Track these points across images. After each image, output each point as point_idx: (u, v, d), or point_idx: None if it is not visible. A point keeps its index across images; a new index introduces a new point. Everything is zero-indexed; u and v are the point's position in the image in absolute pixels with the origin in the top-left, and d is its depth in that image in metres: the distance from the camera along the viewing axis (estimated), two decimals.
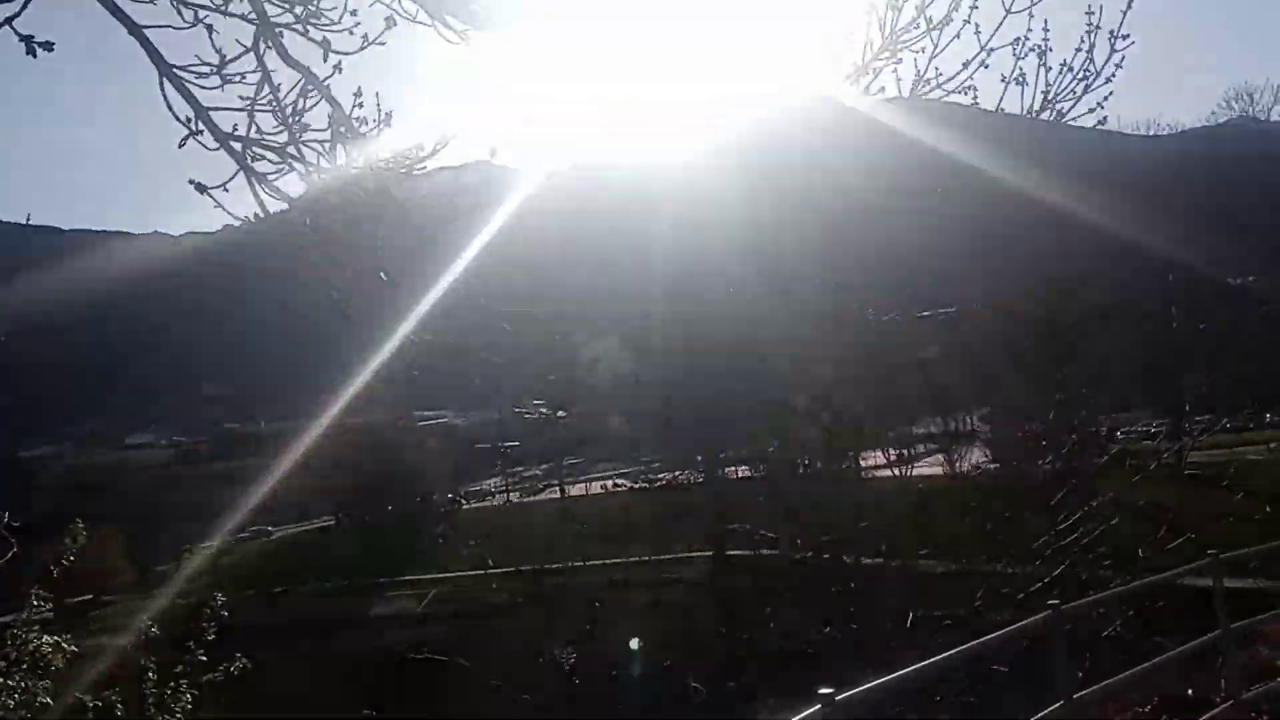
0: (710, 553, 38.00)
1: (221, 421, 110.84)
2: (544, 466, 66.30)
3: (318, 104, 4.13)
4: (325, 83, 4.10)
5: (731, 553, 36.98)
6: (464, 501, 67.06)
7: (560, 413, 64.37)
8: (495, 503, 66.35)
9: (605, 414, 59.57)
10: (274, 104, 4.05)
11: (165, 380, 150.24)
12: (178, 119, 3.97)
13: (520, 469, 74.43)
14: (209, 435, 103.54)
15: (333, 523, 63.33)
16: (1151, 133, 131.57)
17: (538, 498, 62.26)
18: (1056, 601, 7.76)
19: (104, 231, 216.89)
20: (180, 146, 4.00)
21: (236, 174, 4.13)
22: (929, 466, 43.41)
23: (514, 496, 65.88)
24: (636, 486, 48.86)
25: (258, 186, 4.12)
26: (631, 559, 38.72)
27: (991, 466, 37.36)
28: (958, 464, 40.78)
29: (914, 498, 33.36)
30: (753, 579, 30.80)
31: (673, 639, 22.71)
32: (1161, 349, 42.77)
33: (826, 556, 31.77)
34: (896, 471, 42.99)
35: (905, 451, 49.76)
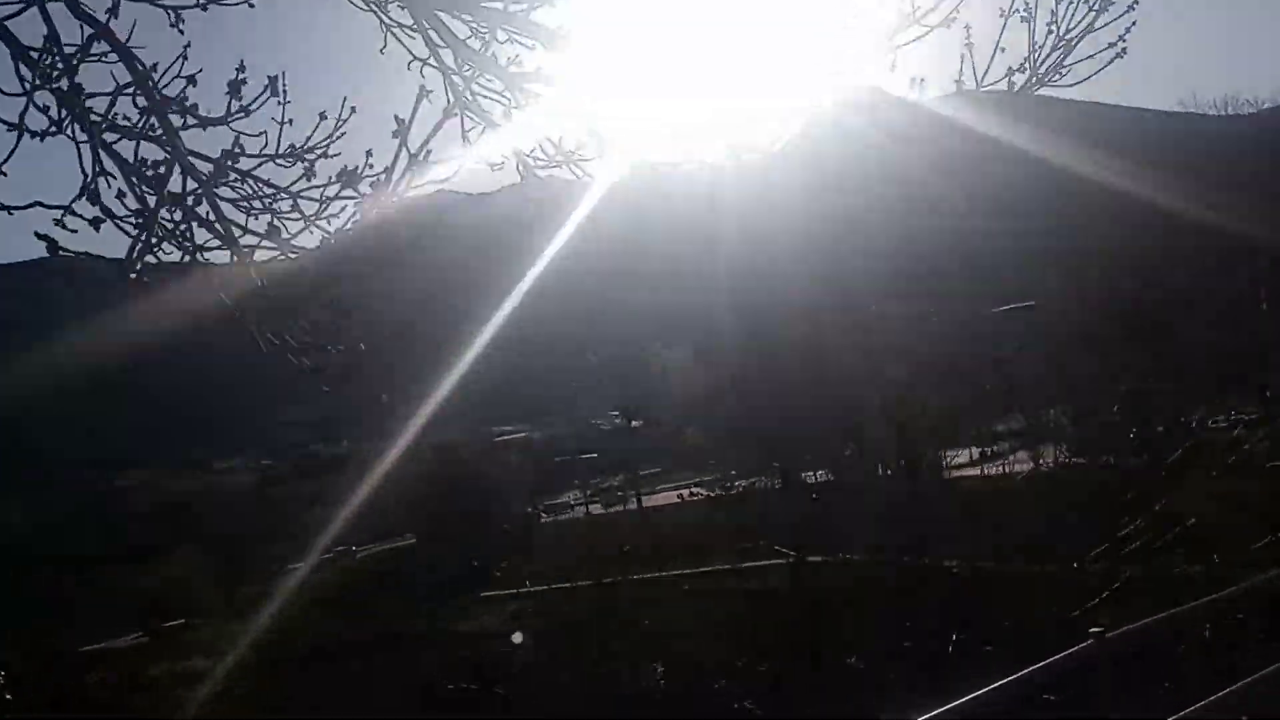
0: (788, 560, 37.68)
1: (305, 444, 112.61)
2: (620, 478, 66.25)
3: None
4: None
5: (810, 559, 36.65)
6: (543, 515, 67.23)
7: (635, 423, 64.39)
8: (575, 515, 66.50)
9: (681, 423, 59.69)
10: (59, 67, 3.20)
11: (249, 404, 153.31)
12: (38, 109, 3.32)
13: (598, 480, 74.44)
14: (293, 458, 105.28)
15: (414, 541, 63.94)
16: (1231, 111, 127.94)
17: (615, 509, 62.19)
18: (1101, 629, 7.00)
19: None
20: (41, 140, 3.39)
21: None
22: (1011, 464, 42.48)
23: (593, 509, 65.91)
24: (713, 495, 48.74)
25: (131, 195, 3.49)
26: (706, 569, 38.45)
27: (1076, 462, 36.42)
28: (1041, 461, 39.83)
29: (996, 498, 32.71)
30: (829, 588, 30.43)
31: (734, 654, 22.39)
32: (1249, 335, 41.34)
33: (906, 561, 31.38)
34: (978, 471, 42.20)
35: (987, 450, 48.85)
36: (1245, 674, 8.74)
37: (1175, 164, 51.70)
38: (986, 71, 4.08)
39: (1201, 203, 45.72)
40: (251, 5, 3.35)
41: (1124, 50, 4.06)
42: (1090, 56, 4.22)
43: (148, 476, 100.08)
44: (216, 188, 3.33)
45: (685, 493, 50.12)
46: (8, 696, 26.90)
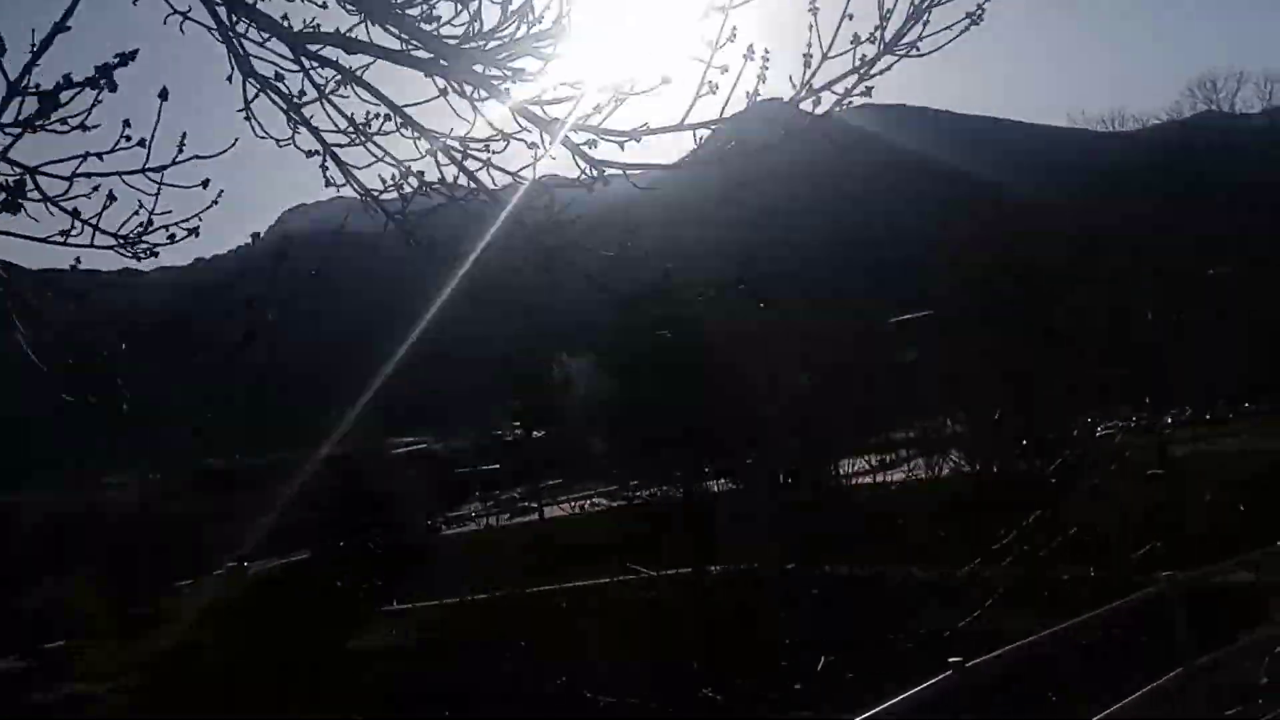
0: (689, 570, 37.44)
1: (202, 456, 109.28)
2: (520, 489, 65.62)
3: None
4: None
5: (713, 568, 36.44)
6: (443, 528, 66.19)
7: (536, 433, 63.58)
8: (476, 528, 65.68)
9: (585, 433, 59.28)
10: None
11: (146, 415, 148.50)
12: None
13: (499, 492, 73.67)
14: (188, 471, 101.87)
15: (309, 556, 62.38)
16: (1117, 127, 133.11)
17: (516, 520, 61.50)
18: (960, 659, 6.57)
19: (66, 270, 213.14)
20: None
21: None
22: (909, 472, 42.78)
23: (493, 520, 65.06)
24: (615, 505, 48.38)
25: None
26: (605, 580, 38.05)
27: (970, 469, 36.87)
28: (937, 468, 40.25)
29: (892, 505, 32.86)
30: (723, 601, 30.27)
31: (629, 667, 21.98)
32: (1136, 341, 42.46)
33: (798, 570, 31.33)
34: (876, 478, 42.40)
35: (886, 457, 49.22)
36: (1118, 696, 8.48)
37: (1067, 177, 53.07)
38: (832, 42, 3.69)
39: (1091, 214, 46.90)
40: None
41: (980, 16, 3.72)
42: (947, 27, 3.86)
43: (30, 493, 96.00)
44: None
45: (586, 504, 49.77)
46: None
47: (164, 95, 3.11)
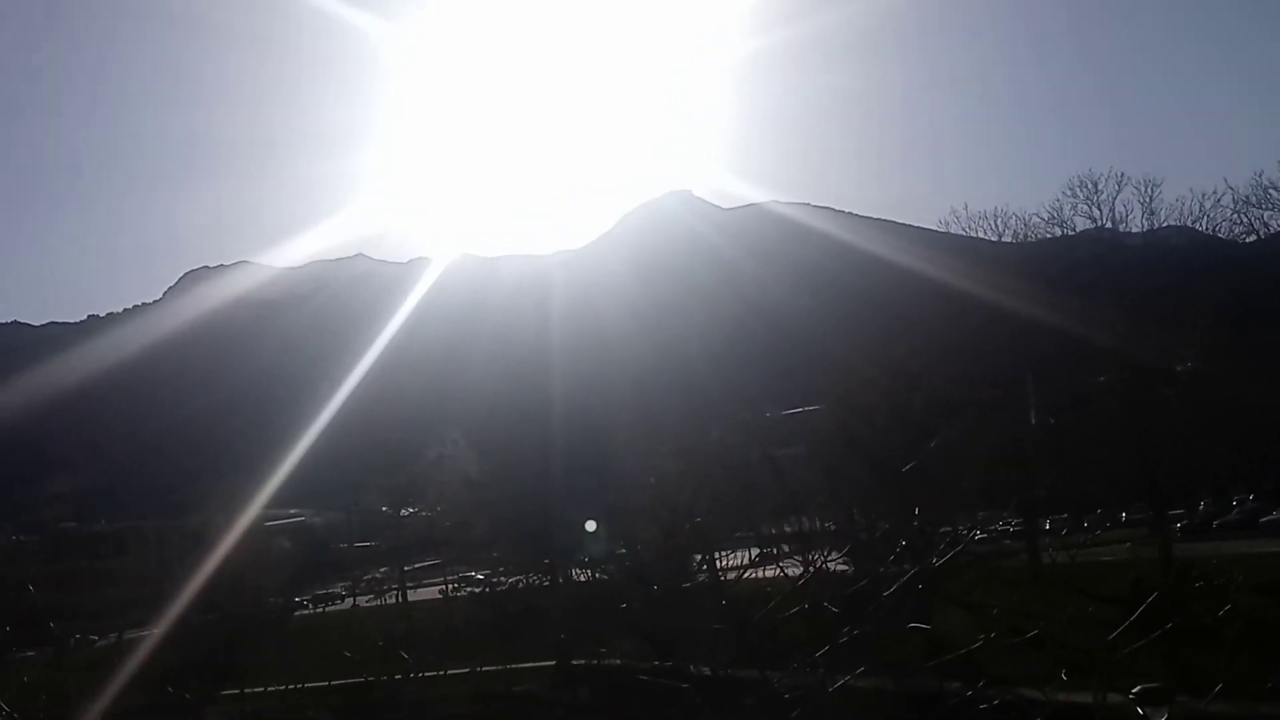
0: (553, 662, 36.06)
1: (60, 520, 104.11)
2: (383, 570, 63.30)
3: None
4: None
5: (575, 662, 35.09)
6: (307, 605, 63.42)
7: (404, 511, 61.36)
8: (341, 606, 63.18)
9: (456, 514, 57.46)
10: None
11: (10, 474, 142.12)
12: None
13: (365, 571, 71.22)
14: (44, 534, 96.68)
15: (164, 631, 58.93)
16: (1000, 226, 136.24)
17: (380, 602, 59.35)
18: None
19: None
20: None
21: None
22: (784, 568, 42.01)
23: (359, 601, 62.62)
24: (480, 591, 46.80)
25: None
26: (469, 669, 36.34)
27: (843, 569, 36.15)
28: (812, 566, 39.46)
29: (760, 601, 32.00)
30: (591, 693, 29.05)
31: None
32: (1015, 446, 42.46)
33: (670, 665, 30.01)
34: (750, 573, 41.52)
35: (764, 552, 48.41)
36: None
37: (950, 280, 53.68)
38: None
39: (973, 317, 47.32)
40: None
41: None
42: None
43: None
44: None
45: (450, 588, 48.09)
46: None
47: None
